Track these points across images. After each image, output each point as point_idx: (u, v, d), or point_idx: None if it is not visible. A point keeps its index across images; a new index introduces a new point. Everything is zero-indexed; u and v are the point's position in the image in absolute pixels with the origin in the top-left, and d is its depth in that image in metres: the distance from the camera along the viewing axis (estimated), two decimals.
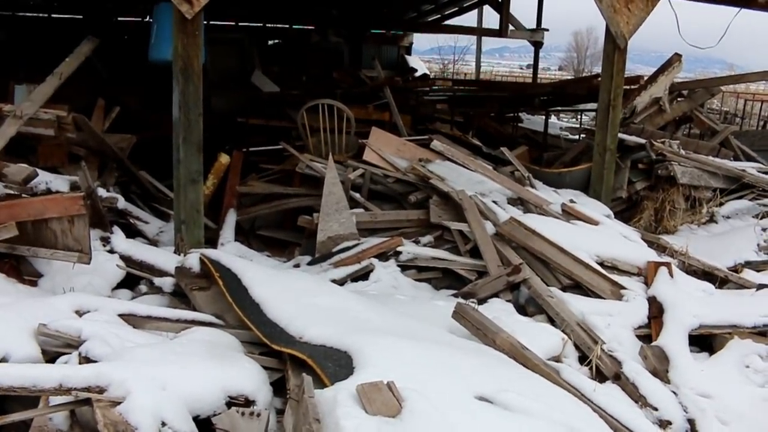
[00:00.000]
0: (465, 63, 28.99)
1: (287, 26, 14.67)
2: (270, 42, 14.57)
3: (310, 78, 11.89)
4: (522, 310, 4.49)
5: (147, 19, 11.54)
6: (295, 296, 3.88)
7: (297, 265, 5.48)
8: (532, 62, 16.13)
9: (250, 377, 2.90)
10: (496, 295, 4.60)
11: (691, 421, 3.47)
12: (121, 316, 3.60)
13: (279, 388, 3.10)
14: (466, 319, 3.68)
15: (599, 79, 7.11)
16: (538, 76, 15.66)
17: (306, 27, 14.59)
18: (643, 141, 7.29)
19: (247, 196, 6.69)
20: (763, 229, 6.38)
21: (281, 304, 3.68)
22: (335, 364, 2.81)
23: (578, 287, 4.73)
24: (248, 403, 2.77)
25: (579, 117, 15.14)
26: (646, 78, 9.08)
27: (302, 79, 12.00)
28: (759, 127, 12.85)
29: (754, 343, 4.09)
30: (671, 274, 4.85)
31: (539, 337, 3.88)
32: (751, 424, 3.44)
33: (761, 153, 8.77)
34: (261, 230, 6.55)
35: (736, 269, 5.64)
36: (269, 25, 14.50)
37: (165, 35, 5.88)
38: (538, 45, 13.54)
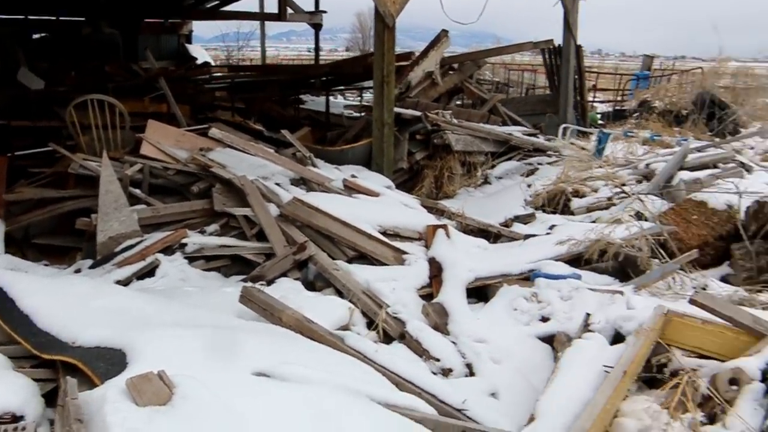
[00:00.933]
0: (252, 49, 28.60)
1: (53, 18, 13.66)
2: (35, 36, 13.52)
3: (80, 72, 11.17)
4: (311, 286, 4.59)
5: None
6: (73, 302, 3.71)
7: (78, 270, 5.18)
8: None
9: (16, 393, 2.72)
10: (284, 274, 4.66)
11: (469, 366, 3.79)
12: None
13: (55, 398, 2.94)
14: (252, 302, 3.71)
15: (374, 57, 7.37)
16: (326, 57, 15.91)
17: (76, 18, 13.68)
18: (418, 113, 7.68)
19: (17, 204, 6.18)
20: (528, 186, 7.02)
21: (55, 311, 3.50)
22: (108, 363, 2.73)
23: (363, 257, 4.92)
24: (16, 419, 2.60)
25: (361, 95, 15.58)
26: (418, 54, 9.56)
27: (71, 74, 11.26)
28: (523, 93, 14.02)
29: (520, 287, 4.51)
30: (448, 235, 5.20)
31: (327, 309, 4.01)
32: (519, 359, 3.83)
33: (525, 117, 9.61)
34: (36, 238, 6.08)
35: (507, 224, 6.16)
36: (32, 17, 13.43)
37: None
38: (317, 27, 13.76)
